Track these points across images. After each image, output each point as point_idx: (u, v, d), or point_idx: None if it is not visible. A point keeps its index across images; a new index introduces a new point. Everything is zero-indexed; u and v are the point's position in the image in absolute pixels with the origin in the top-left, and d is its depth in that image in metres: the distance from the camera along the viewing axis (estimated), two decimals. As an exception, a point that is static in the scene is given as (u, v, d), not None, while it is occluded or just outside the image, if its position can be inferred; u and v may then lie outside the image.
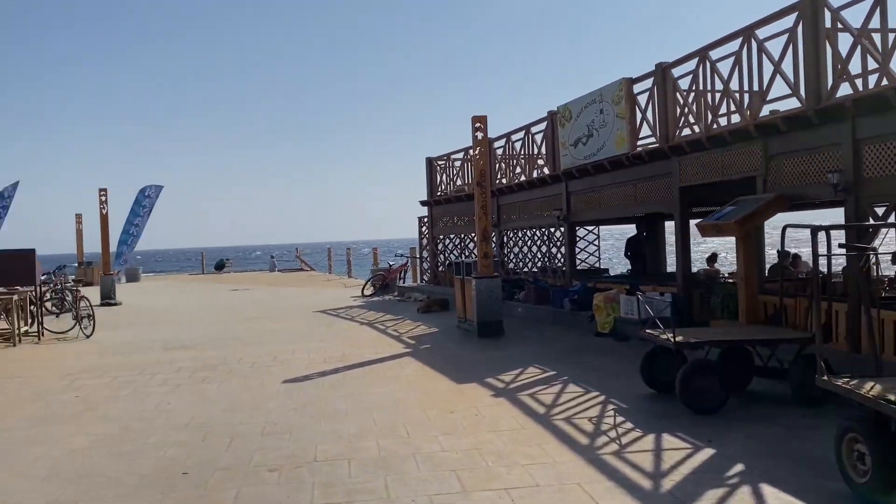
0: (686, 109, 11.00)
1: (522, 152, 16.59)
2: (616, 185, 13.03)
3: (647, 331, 7.54)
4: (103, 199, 23.43)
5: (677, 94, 11.12)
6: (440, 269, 21.36)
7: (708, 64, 10.34)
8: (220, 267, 42.45)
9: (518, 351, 10.62)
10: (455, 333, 12.72)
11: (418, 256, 22.29)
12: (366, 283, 21.68)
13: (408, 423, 6.72)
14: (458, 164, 20.20)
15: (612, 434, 6.20)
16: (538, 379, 8.60)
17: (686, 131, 11.10)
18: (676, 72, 11.09)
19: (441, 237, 21.41)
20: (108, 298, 21.86)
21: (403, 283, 22.36)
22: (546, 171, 15.79)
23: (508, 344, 11.35)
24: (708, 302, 10.52)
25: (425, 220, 21.92)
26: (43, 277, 20.13)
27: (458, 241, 20.90)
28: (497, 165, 17.92)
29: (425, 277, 22.06)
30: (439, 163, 21.09)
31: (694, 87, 10.71)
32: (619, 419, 6.68)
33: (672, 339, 7.04)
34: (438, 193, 21.03)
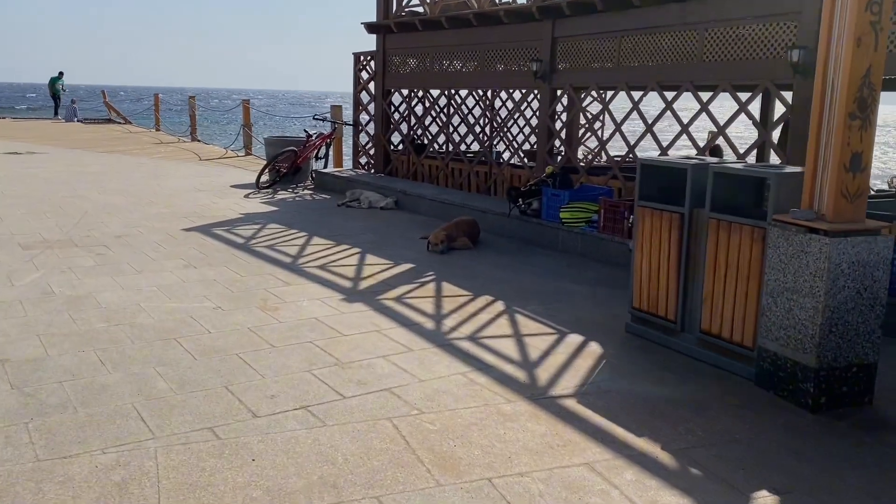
0: None
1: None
2: None
3: None
4: None
5: None
6: (394, 147, 12.57)
7: None
8: None
9: None
10: (671, 380, 4.46)
11: (351, 123, 13.12)
12: (265, 167, 12.38)
13: None
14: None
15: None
16: None
17: None
18: None
19: (394, 90, 12.41)
20: None
21: (325, 167, 13.29)
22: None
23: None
24: None
25: (367, 60, 12.68)
26: None
27: (438, 99, 12.14)
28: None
29: (361, 161, 13.15)
30: (405, -44, 11.69)
31: None
32: None
33: None
34: (403, 13, 11.80)
